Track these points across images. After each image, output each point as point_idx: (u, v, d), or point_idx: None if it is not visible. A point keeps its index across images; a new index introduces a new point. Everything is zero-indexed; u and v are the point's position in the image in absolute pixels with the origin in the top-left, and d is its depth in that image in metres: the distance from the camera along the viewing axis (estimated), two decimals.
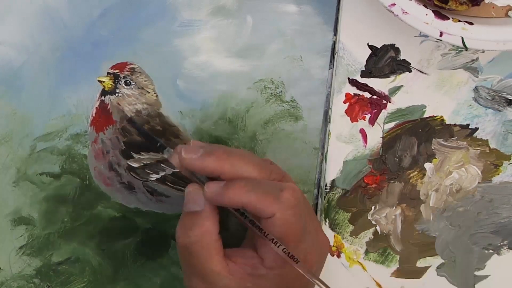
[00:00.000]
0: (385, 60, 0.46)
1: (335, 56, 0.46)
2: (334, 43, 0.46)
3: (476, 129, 0.47)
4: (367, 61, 0.46)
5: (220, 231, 0.38)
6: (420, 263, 0.48)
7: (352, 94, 0.46)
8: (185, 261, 0.38)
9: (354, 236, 0.48)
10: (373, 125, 0.47)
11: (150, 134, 0.42)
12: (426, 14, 0.39)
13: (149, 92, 0.45)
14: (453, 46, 0.43)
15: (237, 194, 0.36)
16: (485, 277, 0.48)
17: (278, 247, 0.36)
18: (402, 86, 0.46)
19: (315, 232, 0.40)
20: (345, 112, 0.47)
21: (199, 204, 0.37)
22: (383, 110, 0.47)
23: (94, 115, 0.45)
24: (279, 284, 0.37)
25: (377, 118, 0.47)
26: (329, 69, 0.46)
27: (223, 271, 0.36)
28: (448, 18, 0.40)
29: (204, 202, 0.37)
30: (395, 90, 0.46)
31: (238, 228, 0.44)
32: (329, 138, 0.46)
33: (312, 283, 0.38)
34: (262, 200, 0.36)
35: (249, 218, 0.37)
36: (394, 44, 0.46)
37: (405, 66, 0.46)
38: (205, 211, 0.37)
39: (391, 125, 0.47)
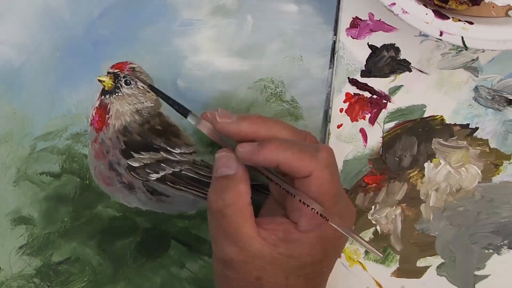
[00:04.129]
0: (385, 60, 0.46)
1: (335, 56, 0.46)
2: (334, 42, 0.46)
3: (476, 128, 0.47)
4: (367, 60, 0.46)
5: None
6: (420, 263, 0.48)
7: (352, 94, 0.46)
8: (217, 226, 0.37)
9: None
10: (373, 125, 0.47)
11: (170, 98, 0.40)
12: (426, 14, 0.39)
13: (149, 92, 0.45)
14: (453, 45, 0.43)
15: (273, 152, 0.35)
16: (485, 277, 0.48)
17: (312, 208, 0.35)
18: (402, 85, 0.46)
19: (346, 196, 0.39)
20: (345, 112, 0.46)
21: (231, 168, 0.36)
22: (383, 110, 0.46)
23: (94, 114, 0.45)
24: (313, 247, 0.36)
25: (377, 118, 0.47)
26: (329, 68, 0.46)
27: (256, 235, 0.36)
28: (448, 18, 0.40)
29: (237, 165, 0.36)
30: (395, 89, 0.46)
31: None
32: (329, 138, 0.46)
33: (343, 246, 0.37)
34: (299, 158, 0.35)
35: (280, 177, 0.36)
36: (394, 44, 0.46)
37: (405, 66, 0.46)
38: (238, 174, 0.36)
39: (391, 124, 0.47)
